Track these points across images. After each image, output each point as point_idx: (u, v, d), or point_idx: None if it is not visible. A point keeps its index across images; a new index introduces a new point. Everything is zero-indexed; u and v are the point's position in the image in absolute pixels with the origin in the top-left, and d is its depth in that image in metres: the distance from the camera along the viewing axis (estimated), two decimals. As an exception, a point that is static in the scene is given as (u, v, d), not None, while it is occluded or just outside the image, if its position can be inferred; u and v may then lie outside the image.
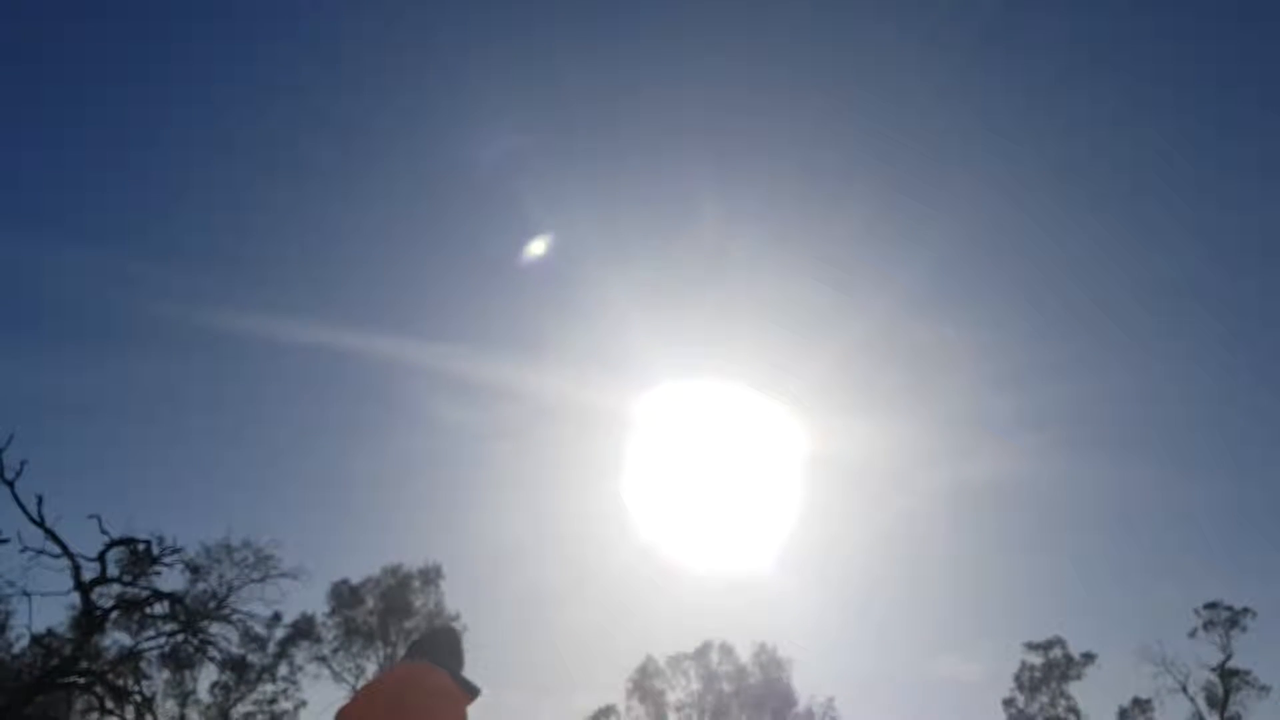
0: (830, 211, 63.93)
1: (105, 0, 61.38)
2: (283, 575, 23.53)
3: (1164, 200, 64.34)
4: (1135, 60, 63.58)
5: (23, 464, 18.83)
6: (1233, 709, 40.40)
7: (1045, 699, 43.61)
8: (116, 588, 21.33)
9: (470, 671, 3.65)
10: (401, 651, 39.85)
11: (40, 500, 19.00)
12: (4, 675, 22.38)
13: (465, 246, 69.28)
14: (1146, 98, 64.16)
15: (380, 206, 66.53)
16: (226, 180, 66.14)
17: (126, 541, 20.53)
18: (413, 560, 41.97)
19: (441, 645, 3.74)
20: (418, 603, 41.44)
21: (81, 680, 21.47)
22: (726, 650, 43.68)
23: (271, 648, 37.96)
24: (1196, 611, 41.52)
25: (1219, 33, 60.77)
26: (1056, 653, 43.64)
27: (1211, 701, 40.73)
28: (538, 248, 49.71)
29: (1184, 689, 40.75)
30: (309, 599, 42.56)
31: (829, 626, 55.72)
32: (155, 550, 20.90)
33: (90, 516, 20.01)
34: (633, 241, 68.11)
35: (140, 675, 30.97)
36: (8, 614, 23.96)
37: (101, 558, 20.06)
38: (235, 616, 23.19)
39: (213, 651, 23.42)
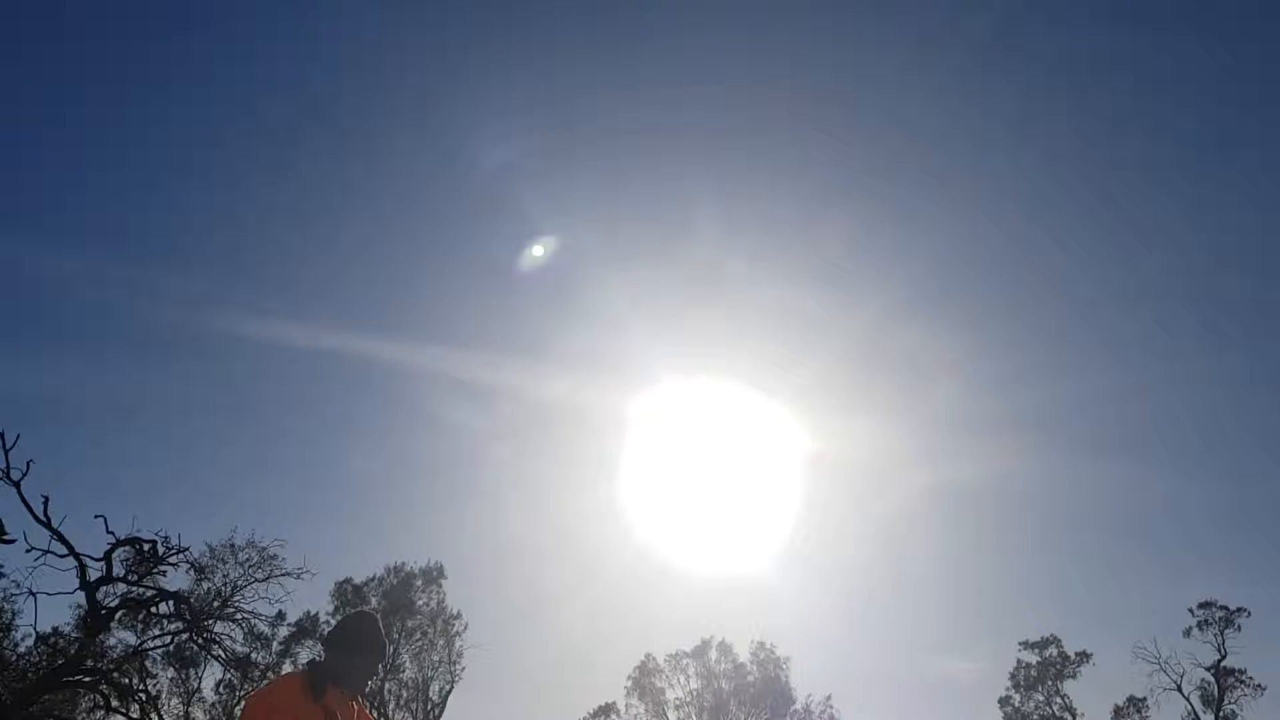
0: (829, 213, 64.17)
1: (104, 0, 61.64)
2: (286, 574, 23.67)
3: (1162, 202, 64.52)
4: (1134, 65, 63.72)
5: (29, 464, 18.80)
6: (1227, 708, 40.65)
7: (1041, 697, 43.86)
8: (122, 587, 21.40)
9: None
10: (403, 649, 39.91)
11: (46, 500, 18.97)
12: (10, 674, 22.56)
13: (465, 248, 69.55)
14: (1144, 102, 64.33)
15: (380, 208, 66.81)
16: (226, 181, 66.42)
17: (132, 541, 20.62)
18: (415, 560, 42.42)
19: (335, 637, 3.71)
20: (420, 602, 41.77)
21: (87, 679, 21.58)
22: (725, 648, 43.96)
23: (276, 646, 38.32)
24: (1191, 610, 41.78)
25: (1218, 35, 60.92)
26: (1052, 651, 43.88)
27: (1206, 700, 40.96)
28: (538, 249, 50.04)
29: (1179, 688, 41.03)
30: (313, 598, 43.05)
31: (827, 625, 56.02)
32: (160, 550, 20.99)
33: (96, 517, 20.08)
34: (632, 242, 68.37)
35: (145, 674, 31.30)
36: (14, 613, 24.15)
37: (107, 557, 20.14)
38: (240, 615, 23.33)
39: (217, 650, 23.57)
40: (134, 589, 21.66)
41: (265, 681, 33.95)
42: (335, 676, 3.59)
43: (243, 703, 3.64)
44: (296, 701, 3.48)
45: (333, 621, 39.23)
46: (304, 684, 3.54)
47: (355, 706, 3.70)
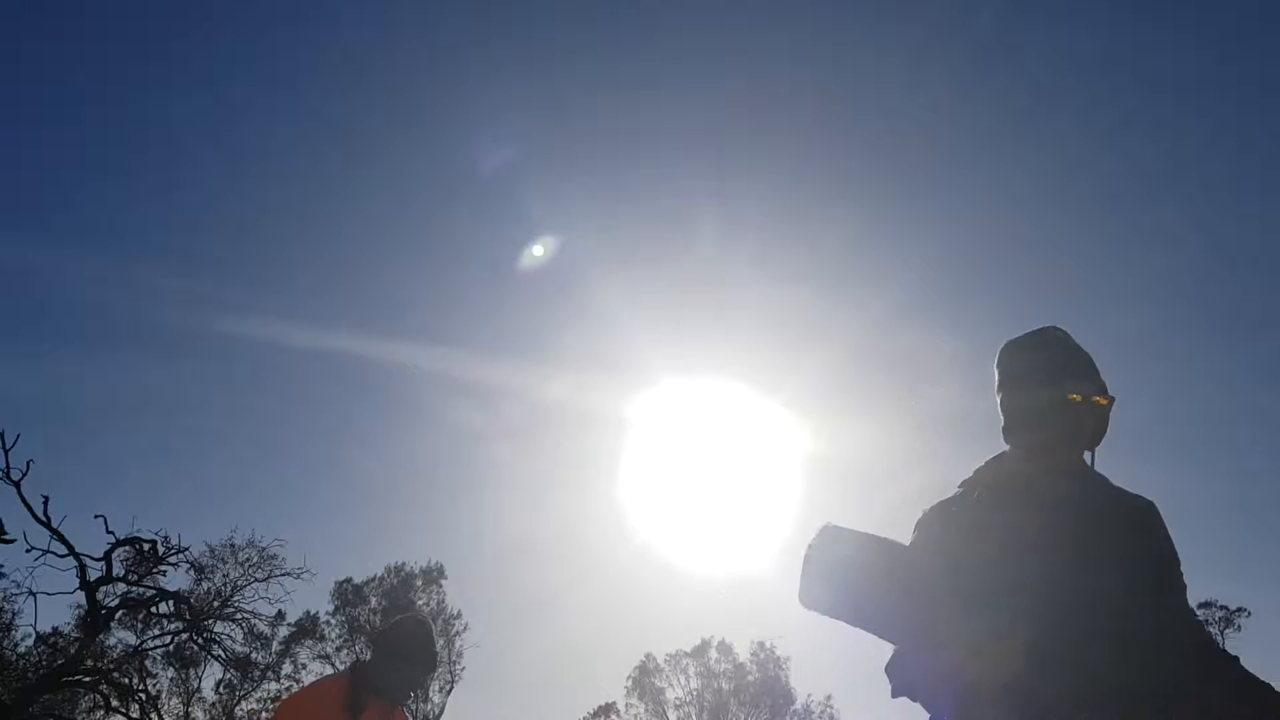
0: (829, 213, 64.15)
1: (105, 0, 61.61)
2: (286, 574, 23.72)
3: (1162, 202, 64.45)
4: (1134, 65, 63.69)
5: (29, 464, 18.82)
6: (1228, 707, 40.65)
7: (1041, 697, 43.88)
8: (122, 587, 21.43)
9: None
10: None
11: (46, 500, 18.99)
12: (10, 674, 22.61)
13: (465, 248, 69.36)
14: (1144, 102, 64.29)
15: (380, 208, 66.74)
16: (226, 181, 66.30)
17: (131, 541, 20.63)
18: (415, 560, 42.42)
19: (378, 639, 3.64)
20: (420, 602, 41.76)
21: (87, 679, 21.60)
22: (725, 648, 43.91)
23: (275, 646, 38.21)
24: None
25: (1218, 35, 60.92)
26: (1053, 651, 43.91)
27: (1207, 700, 40.98)
28: (538, 249, 50.02)
29: (1179, 687, 41.02)
30: (313, 598, 43.01)
31: (826, 625, 55.97)
32: (160, 550, 21.02)
33: (96, 517, 20.10)
34: (632, 243, 68.21)
35: (145, 673, 31.25)
36: (14, 613, 24.18)
37: (107, 557, 20.16)
38: (239, 615, 23.39)
39: (217, 650, 23.61)
40: (134, 589, 21.69)
41: (298, 685, 33.97)
42: (374, 684, 3.44)
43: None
44: (330, 712, 3.36)
45: (333, 622, 39.37)
46: (341, 693, 3.41)
47: (398, 715, 3.54)
